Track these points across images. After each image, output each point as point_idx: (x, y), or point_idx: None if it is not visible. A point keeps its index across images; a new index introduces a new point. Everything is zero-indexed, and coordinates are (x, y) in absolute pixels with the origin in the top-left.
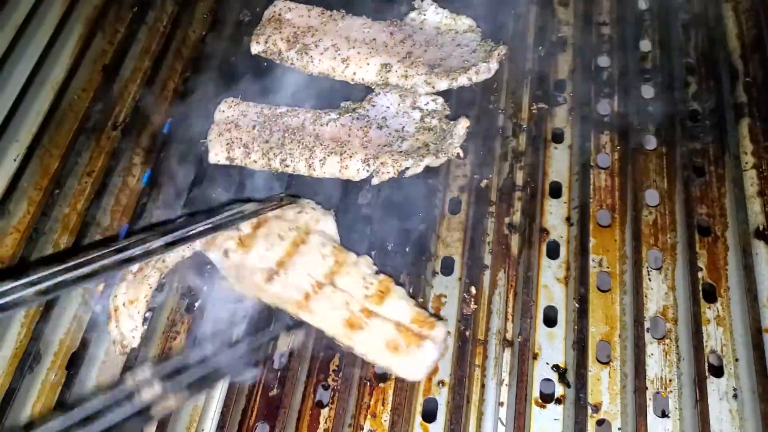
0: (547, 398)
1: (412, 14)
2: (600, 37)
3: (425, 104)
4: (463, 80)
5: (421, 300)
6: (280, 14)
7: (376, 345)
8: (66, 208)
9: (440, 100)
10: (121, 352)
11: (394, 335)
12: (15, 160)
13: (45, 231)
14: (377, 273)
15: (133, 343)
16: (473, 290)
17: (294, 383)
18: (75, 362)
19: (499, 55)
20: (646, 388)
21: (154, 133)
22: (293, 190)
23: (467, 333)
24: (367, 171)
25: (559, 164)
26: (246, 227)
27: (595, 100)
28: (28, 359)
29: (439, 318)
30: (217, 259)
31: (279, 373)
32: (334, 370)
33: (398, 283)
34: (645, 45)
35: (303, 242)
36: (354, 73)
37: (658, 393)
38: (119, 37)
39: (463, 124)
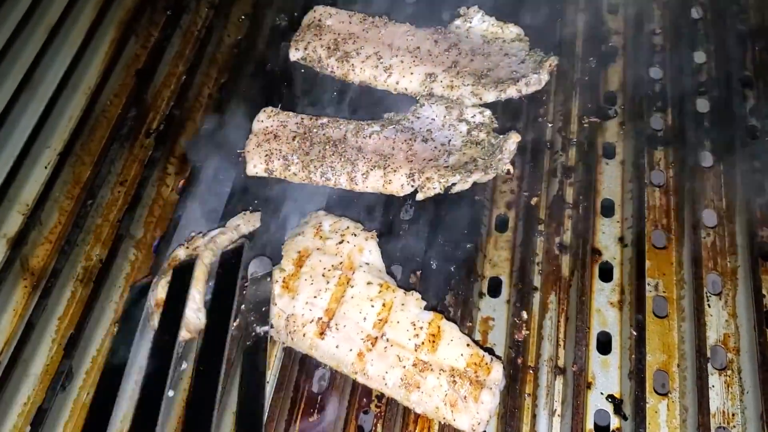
0: (601, 430)
1: (458, 22)
2: (652, 47)
3: (472, 117)
4: (512, 92)
5: (469, 324)
6: (320, 20)
7: (434, 404)
8: (98, 219)
9: (487, 112)
10: (188, 337)
11: (450, 391)
12: (46, 167)
13: (77, 243)
14: (425, 308)
15: (199, 324)
16: (524, 315)
17: (336, 409)
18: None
19: (550, 66)
20: (710, 425)
21: (188, 142)
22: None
23: (518, 360)
24: (412, 186)
25: (611, 181)
26: (288, 264)
27: (648, 114)
28: (60, 377)
29: (494, 355)
30: None
31: (320, 398)
32: (377, 396)
33: (445, 313)
34: (699, 56)
35: (349, 283)
36: (397, 83)
37: (720, 428)
38: (153, 42)
39: (513, 139)
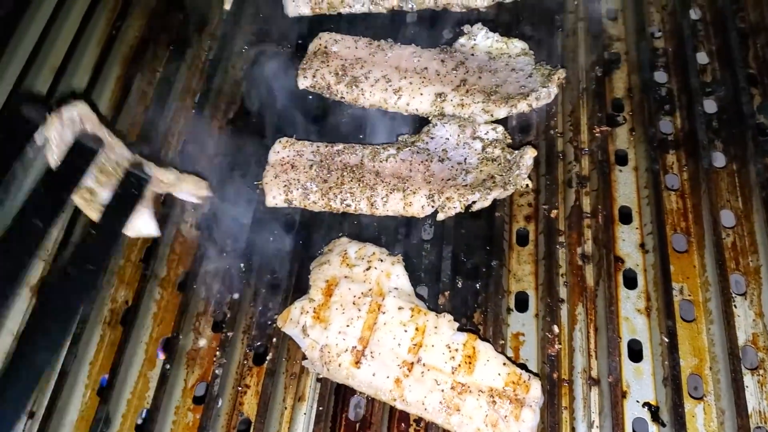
0: None
1: (462, 40)
2: (654, 51)
3: (485, 134)
4: (522, 107)
5: (502, 343)
6: (326, 47)
7: (475, 426)
8: (121, 260)
9: (500, 128)
10: None
11: (491, 412)
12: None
13: (102, 285)
14: (459, 329)
15: None
16: (556, 329)
17: None
18: (146, 423)
19: (558, 79)
20: (749, 426)
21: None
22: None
23: (553, 375)
24: (432, 207)
25: (626, 188)
26: (318, 294)
27: (657, 118)
28: (97, 425)
29: (531, 372)
30: (298, 336)
31: (358, 426)
32: (415, 420)
33: (476, 331)
34: (702, 57)
35: (380, 309)
36: (408, 104)
37: (758, 428)
38: (158, 77)
39: (530, 154)
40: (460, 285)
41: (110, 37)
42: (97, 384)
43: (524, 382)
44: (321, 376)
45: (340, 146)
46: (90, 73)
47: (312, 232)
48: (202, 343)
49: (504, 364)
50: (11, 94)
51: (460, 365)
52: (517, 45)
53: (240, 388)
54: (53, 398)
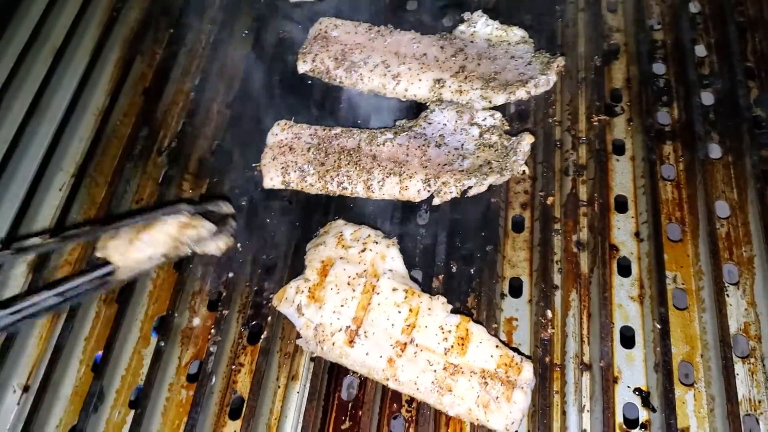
0: (631, 424)
1: (462, 27)
2: (653, 43)
3: (483, 120)
4: (521, 94)
5: (495, 326)
6: (326, 31)
7: (466, 407)
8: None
9: (498, 115)
10: None
11: (483, 393)
12: (60, 190)
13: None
14: (452, 312)
15: None
16: (549, 314)
17: (369, 416)
18: (139, 399)
19: (557, 67)
20: (738, 413)
21: (201, 158)
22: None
23: (546, 359)
24: (428, 191)
25: (622, 177)
26: (313, 274)
27: (654, 109)
28: (91, 399)
29: (523, 355)
30: (293, 315)
31: (350, 405)
32: (407, 401)
33: (470, 314)
34: (700, 50)
35: (374, 290)
36: (406, 90)
37: (748, 415)
38: (158, 60)
39: (527, 141)
40: (454, 269)
41: (111, 18)
42: (91, 360)
43: (516, 364)
44: (315, 356)
45: (338, 130)
46: (90, 55)
47: (308, 214)
48: (197, 321)
49: (497, 346)
50: (11, 75)
51: (452, 346)
52: (517, 33)
53: (234, 367)
54: (48, 373)
